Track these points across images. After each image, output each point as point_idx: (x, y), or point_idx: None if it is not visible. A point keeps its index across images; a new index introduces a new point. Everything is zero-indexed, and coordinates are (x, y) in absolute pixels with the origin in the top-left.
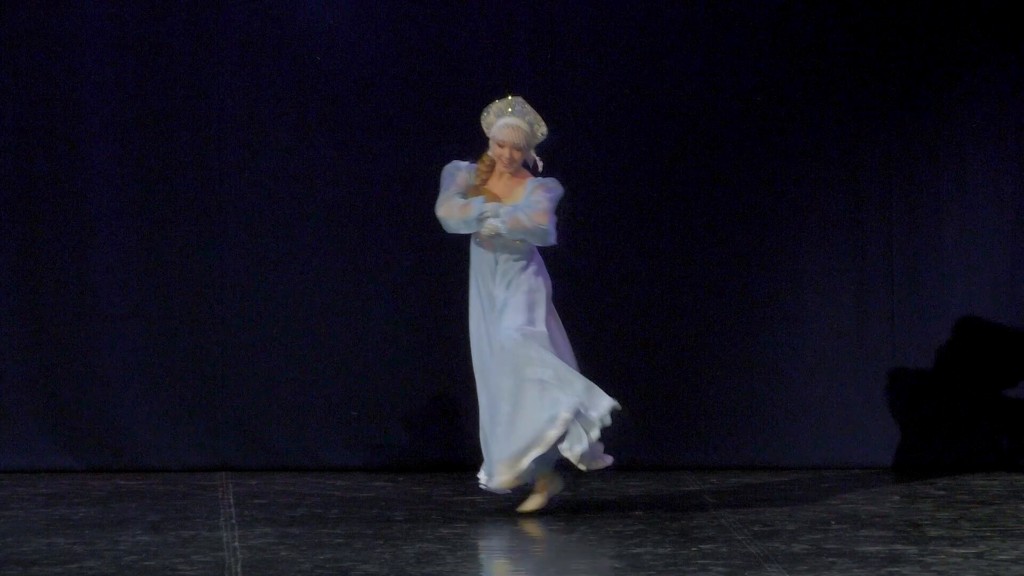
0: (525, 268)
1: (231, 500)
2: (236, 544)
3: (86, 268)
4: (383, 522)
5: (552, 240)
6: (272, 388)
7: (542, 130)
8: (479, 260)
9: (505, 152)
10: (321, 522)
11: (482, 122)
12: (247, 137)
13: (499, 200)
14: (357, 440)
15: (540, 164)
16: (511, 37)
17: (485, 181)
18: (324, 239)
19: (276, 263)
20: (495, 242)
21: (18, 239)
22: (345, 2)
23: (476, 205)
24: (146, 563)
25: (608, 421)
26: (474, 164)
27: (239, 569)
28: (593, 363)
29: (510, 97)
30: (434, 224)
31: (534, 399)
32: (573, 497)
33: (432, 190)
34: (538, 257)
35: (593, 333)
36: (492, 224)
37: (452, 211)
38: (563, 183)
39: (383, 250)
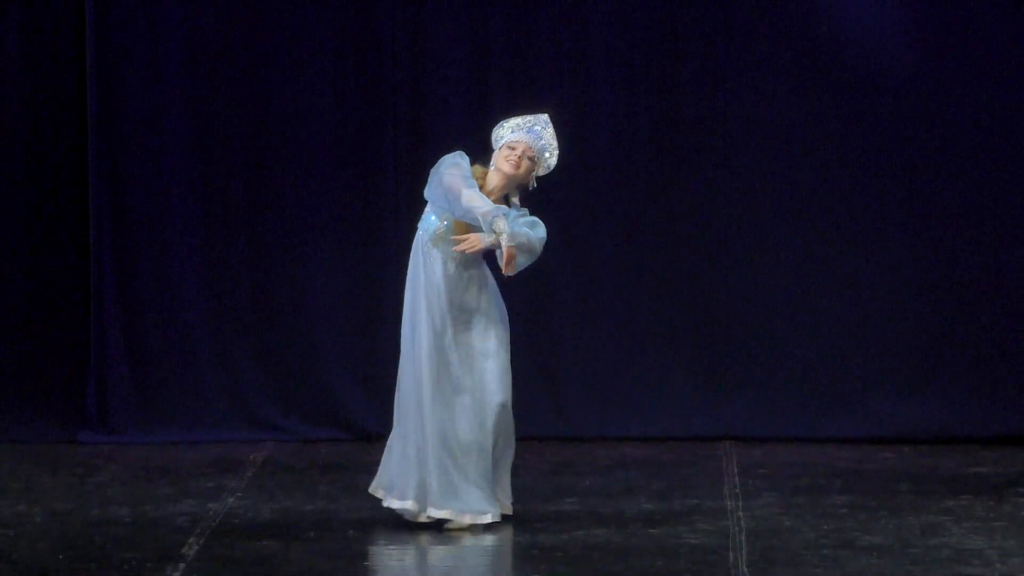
0: (486, 285)
1: (735, 469)
2: (740, 513)
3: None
4: (888, 493)
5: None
6: (781, 358)
7: (552, 161)
8: (428, 268)
9: (516, 153)
10: (825, 492)
11: (494, 132)
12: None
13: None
14: (861, 411)
15: (532, 184)
16: None
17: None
18: None
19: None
20: (459, 256)
21: None
22: None
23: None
24: (650, 531)
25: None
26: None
27: (743, 538)
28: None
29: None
30: None
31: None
32: None
33: None
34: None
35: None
36: (499, 226)
37: (478, 201)
38: None
39: None
